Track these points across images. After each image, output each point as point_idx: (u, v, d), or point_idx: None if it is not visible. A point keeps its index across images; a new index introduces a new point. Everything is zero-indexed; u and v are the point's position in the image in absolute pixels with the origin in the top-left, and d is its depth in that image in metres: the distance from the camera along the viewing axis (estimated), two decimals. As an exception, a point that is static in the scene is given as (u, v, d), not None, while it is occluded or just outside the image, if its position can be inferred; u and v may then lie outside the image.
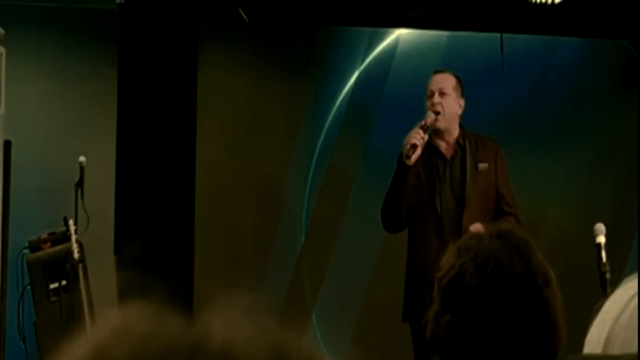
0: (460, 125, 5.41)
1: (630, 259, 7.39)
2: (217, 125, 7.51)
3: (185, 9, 7.29)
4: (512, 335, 2.00)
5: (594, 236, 4.67)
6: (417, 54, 7.67)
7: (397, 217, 5.29)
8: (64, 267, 6.31)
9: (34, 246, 6.58)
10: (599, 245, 4.63)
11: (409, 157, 5.14)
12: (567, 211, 7.62)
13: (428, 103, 5.37)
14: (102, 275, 6.51)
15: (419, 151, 5.15)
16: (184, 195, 7.25)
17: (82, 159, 6.61)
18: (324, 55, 7.70)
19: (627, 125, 7.38)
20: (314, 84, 7.68)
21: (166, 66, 7.21)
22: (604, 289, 4.47)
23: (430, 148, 5.29)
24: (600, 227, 4.67)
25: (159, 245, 6.99)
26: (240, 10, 7.45)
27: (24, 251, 6.62)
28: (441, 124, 5.33)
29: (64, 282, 6.40)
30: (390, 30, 7.75)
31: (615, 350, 1.43)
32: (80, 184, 6.57)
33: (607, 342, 1.44)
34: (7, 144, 6.36)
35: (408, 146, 5.15)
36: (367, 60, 7.72)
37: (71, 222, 6.34)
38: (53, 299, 6.45)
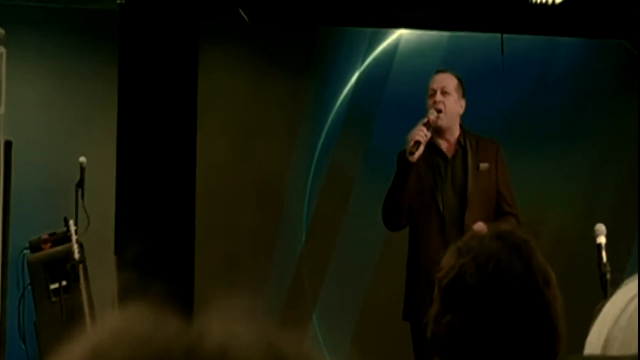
0: (461, 126, 5.42)
1: (631, 259, 7.39)
2: (217, 126, 7.51)
3: (186, 9, 7.29)
4: (512, 336, 2.00)
5: (594, 236, 4.67)
6: (417, 54, 7.66)
7: (399, 215, 5.29)
8: (64, 267, 6.32)
9: (35, 246, 6.58)
10: (599, 245, 4.63)
11: (412, 153, 5.14)
12: (568, 211, 7.62)
13: (430, 101, 5.37)
14: (102, 276, 6.51)
15: (422, 148, 5.16)
16: (184, 195, 7.25)
17: (82, 159, 6.61)
18: (325, 55, 7.70)
19: (628, 126, 7.38)
20: (314, 84, 7.67)
21: (166, 66, 7.21)
22: (605, 290, 4.47)
23: (431, 147, 5.29)
24: (601, 227, 4.66)
25: (159, 245, 6.99)
26: (240, 10, 7.45)
27: (25, 251, 6.62)
28: (443, 122, 5.33)
29: (64, 283, 6.40)
30: (391, 30, 7.74)
31: (614, 352, 1.43)
32: (80, 184, 6.57)
33: (607, 343, 1.44)
34: (8, 144, 6.36)
35: (412, 143, 5.15)
36: (368, 61, 7.71)
37: (71, 222, 6.35)
38: (53, 299, 6.45)
